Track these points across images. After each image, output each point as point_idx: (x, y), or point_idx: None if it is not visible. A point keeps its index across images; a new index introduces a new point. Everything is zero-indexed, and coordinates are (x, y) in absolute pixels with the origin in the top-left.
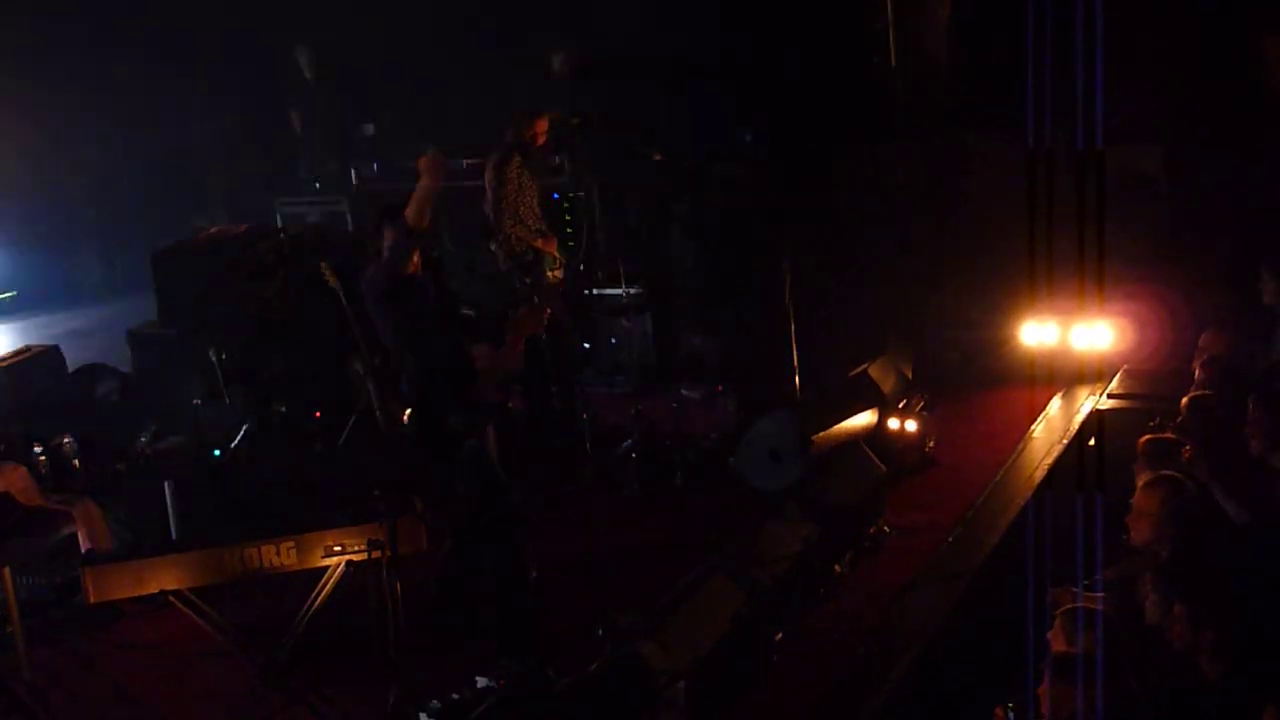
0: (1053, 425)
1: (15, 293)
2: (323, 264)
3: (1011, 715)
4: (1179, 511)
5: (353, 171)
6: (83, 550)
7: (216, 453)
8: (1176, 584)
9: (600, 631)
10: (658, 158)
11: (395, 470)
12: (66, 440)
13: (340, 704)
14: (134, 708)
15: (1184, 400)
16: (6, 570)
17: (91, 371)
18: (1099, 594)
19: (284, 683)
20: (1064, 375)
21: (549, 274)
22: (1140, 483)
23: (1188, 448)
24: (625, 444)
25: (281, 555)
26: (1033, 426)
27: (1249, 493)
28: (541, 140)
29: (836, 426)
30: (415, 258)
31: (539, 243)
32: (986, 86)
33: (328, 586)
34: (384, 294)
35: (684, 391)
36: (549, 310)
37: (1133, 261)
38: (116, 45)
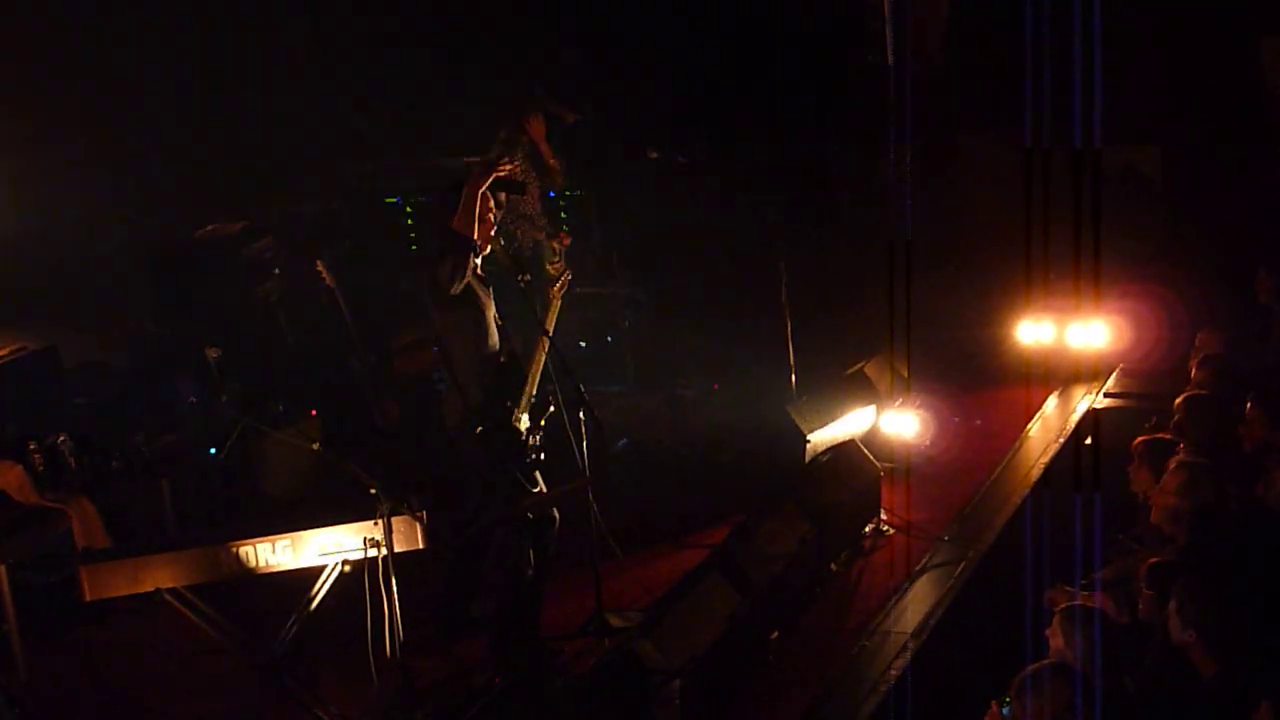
0: (1049, 424)
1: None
2: (318, 262)
3: (1007, 711)
4: (1198, 504)
5: (350, 169)
6: (78, 548)
7: (213, 451)
8: (1170, 580)
9: (597, 630)
10: (654, 156)
11: (393, 468)
12: (62, 438)
13: (336, 703)
14: (130, 706)
15: (1178, 400)
16: (2, 568)
17: (88, 370)
18: (1095, 593)
19: (280, 681)
20: (1060, 374)
21: (549, 267)
22: (1172, 465)
23: (1182, 446)
24: (621, 443)
25: (277, 553)
26: (1029, 425)
27: (1244, 491)
28: (540, 136)
29: (832, 425)
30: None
31: (552, 241)
32: (984, 86)
33: (324, 585)
34: (447, 300)
35: (680, 390)
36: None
37: (1129, 260)
38: (113, 43)
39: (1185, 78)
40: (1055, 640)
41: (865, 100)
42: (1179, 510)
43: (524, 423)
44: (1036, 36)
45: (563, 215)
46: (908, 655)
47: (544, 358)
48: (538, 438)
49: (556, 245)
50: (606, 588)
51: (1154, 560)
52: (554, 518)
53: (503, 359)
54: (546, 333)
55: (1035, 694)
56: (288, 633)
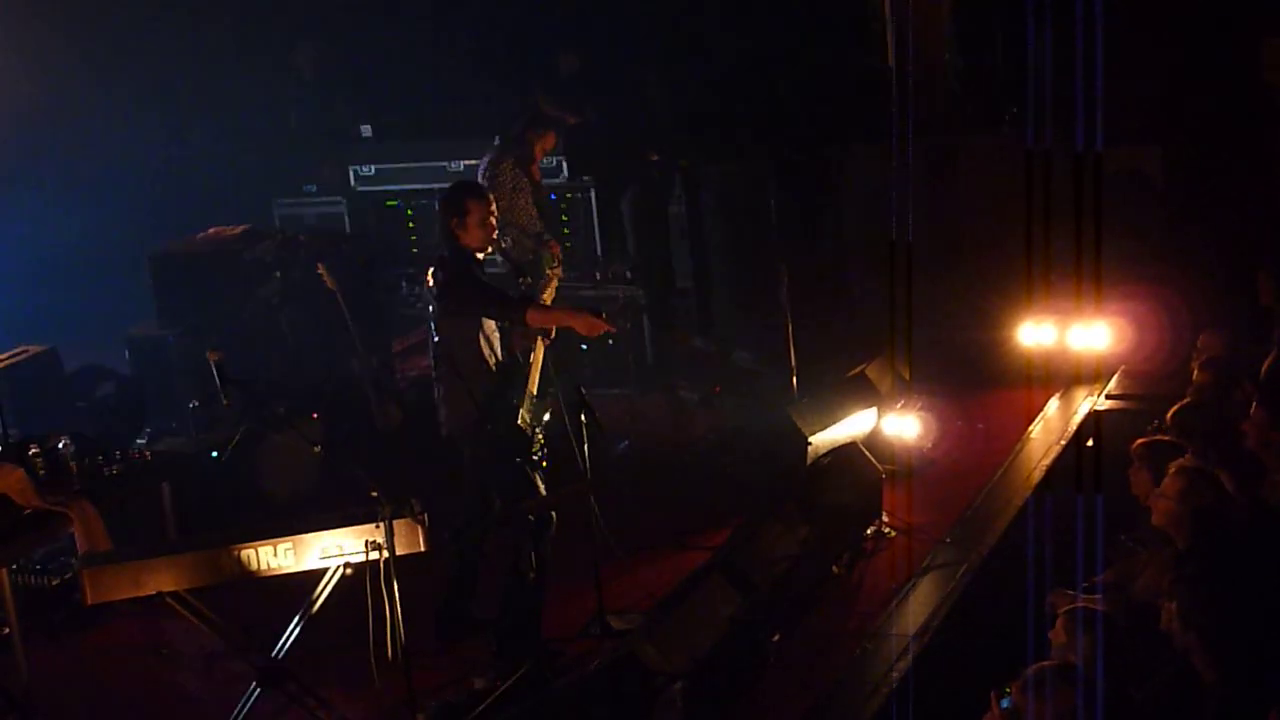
0: (1050, 426)
1: None
2: (320, 265)
3: (1006, 703)
4: (1197, 508)
5: (350, 172)
6: (80, 551)
7: (214, 454)
8: (1179, 584)
9: (598, 632)
10: (654, 158)
11: (394, 470)
12: (64, 442)
13: (338, 706)
14: (131, 709)
15: (1169, 412)
16: (4, 571)
17: (89, 373)
18: (1097, 596)
19: (282, 684)
20: (1062, 376)
21: (548, 272)
22: (1172, 469)
23: (1188, 454)
24: (622, 445)
25: (279, 556)
26: (1030, 427)
27: (1247, 492)
28: (539, 156)
29: (834, 427)
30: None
31: (542, 250)
32: (985, 87)
33: (326, 588)
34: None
35: (681, 393)
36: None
37: (1130, 262)
38: (114, 42)
39: (1187, 79)
40: (1058, 642)
41: (867, 102)
42: (1179, 515)
43: (527, 420)
44: (1038, 37)
45: (564, 218)
46: (909, 657)
47: (543, 356)
48: (541, 434)
49: (557, 252)
50: (607, 590)
51: (1177, 573)
52: (551, 519)
53: (504, 358)
54: (543, 333)
55: (1038, 694)
56: (289, 636)
